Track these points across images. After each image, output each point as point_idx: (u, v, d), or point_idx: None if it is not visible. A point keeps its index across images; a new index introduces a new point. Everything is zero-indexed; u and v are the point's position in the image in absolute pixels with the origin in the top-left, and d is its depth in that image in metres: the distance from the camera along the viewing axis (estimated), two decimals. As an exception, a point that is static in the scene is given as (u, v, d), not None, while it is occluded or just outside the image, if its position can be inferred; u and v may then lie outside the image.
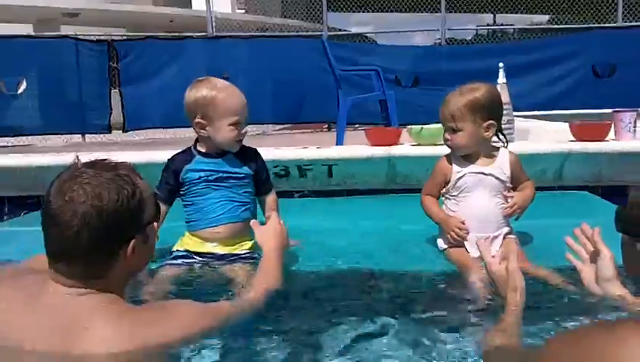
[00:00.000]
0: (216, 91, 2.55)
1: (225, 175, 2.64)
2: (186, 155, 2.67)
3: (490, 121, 2.58)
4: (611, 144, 3.62)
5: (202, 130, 2.56)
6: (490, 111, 2.59)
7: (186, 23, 16.43)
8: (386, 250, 2.85)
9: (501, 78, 3.76)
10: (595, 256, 1.99)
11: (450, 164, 2.67)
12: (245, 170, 2.66)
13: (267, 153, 3.79)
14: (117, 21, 19.23)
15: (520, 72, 9.68)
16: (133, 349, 1.54)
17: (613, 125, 3.74)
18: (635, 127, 3.70)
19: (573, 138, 3.72)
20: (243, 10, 16.84)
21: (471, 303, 2.23)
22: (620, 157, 3.54)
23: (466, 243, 2.59)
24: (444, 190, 2.70)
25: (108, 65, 10.19)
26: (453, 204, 2.67)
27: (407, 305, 2.21)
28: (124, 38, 10.87)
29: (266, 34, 11.45)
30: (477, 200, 2.63)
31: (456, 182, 2.64)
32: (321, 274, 2.58)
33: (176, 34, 10.63)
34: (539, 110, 7.30)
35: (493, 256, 2.05)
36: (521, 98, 9.11)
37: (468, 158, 2.66)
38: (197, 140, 2.69)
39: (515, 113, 6.51)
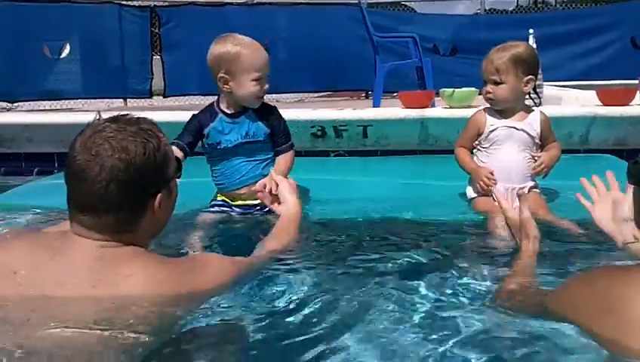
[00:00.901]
0: (240, 47, 2.61)
1: (244, 140, 2.73)
2: (210, 113, 2.76)
3: (530, 76, 2.79)
4: (635, 108, 3.73)
5: (226, 85, 2.63)
6: (530, 66, 2.80)
7: (226, -9, 16.57)
8: (415, 201, 3.06)
9: (531, 43, 3.89)
10: (607, 199, 2.13)
11: (485, 118, 2.86)
12: (264, 129, 2.76)
13: (304, 113, 4.03)
14: (159, -12, 19.44)
15: (559, 41, 9.65)
16: (179, 293, 1.56)
17: (638, 90, 3.85)
18: (660, 92, 3.81)
19: (600, 103, 3.84)
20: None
21: (491, 249, 2.43)
22: (645, 122, 3.67)
23: (493, 191, 2.79)
24: (476, 142, 2.89)
25: (150, 30, 10.41)
26: (484, 156, 2.87)
27: (429, 250, 2.41)
28: (167, 4, 11.03)
29: (306, 1, 11.52)
30: (507, 153, 2.82)
31: (488, 135, 2.83)
32: (352, 221, 2.81)
33: (217, 1, 10.77)
34: (578, 80, 7.32)
35: (513, 207, 2.22)
36: (560, 69, 9.13)
37: (502, 113, 2.85)
38: (219, 97, 2.78)
39: (554, 82, 6.62)
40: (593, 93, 4.09)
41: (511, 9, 13.29)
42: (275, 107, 2.86)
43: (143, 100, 10.62)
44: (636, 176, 1.41)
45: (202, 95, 10.29)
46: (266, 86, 2.68)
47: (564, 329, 1.41)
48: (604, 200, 2.12)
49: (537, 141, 2.85)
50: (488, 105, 2.90)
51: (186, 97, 10.69)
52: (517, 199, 2.77)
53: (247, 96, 2.66)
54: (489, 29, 9.76)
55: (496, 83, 2.78)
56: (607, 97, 3.80)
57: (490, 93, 2.81)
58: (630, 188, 1.68)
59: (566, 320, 1.39)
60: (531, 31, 3.88)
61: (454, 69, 9.16)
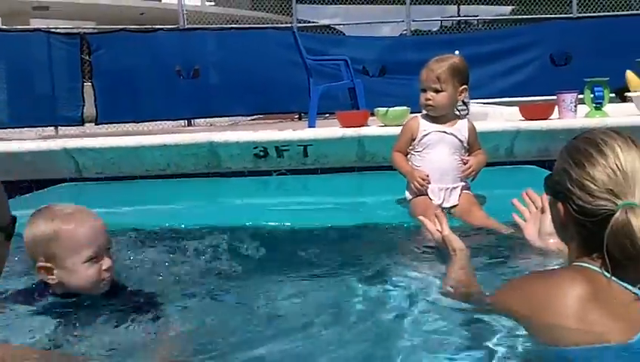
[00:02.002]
0: (58, 221, 1.92)
1: None
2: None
3: (464, 86, 3.05)
4: (554, 122, 4.04)
5: (50, 276, 1.92)
6: (463, 77, 3.06)
7: (156, 16, 16.58)
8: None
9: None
10: (537, 216, 2.33)
11: (418, 123, 3.08)
12: None
13: (247, 135, 4.15)
14: (87, 14, 19.25)
15: (483, 61, 10.12)
16: None
17: (557, 105, 4.16)
18: (576, 106, 4.12)
19: (522, 118, 4.13)
20: (213, 3, 17.06)
21: (427, 248, 2.62)
22: (563, 134, 3.96)
23: (429, 192, 3.02)
24: (410, 147, 3.11)
25: (80, 58, 10.33)
26: (418, 159, 3.09)
27: (373, 253, 2.60)
28: (96, 31, 10.98)
29: (236, 26, 11.67)
30: (438, 156, 3.05)
31: (421, 139, 3.06)
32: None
33: (148, 27, 10.79)
34: (502, 97, 7.71)
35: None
36: (484, 86, 9.57)
37: (434, 119, 3.07)
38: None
39: (480, 100, 6.95)
40: (516, 109, 4.38)
41: (435, 29, 13.75)
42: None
43: (74, 128, 10.50)
44: (551, 188, 1.56)
45: (135, 122, 10.29)
46: (109, 263, 1.97)
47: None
48: (535, 217, 2.32)
49: (465, 145, 3.09)
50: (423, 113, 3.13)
51: (119, 124, 10.61)
52: (452, 198, 3.03)
53: (84, 284, 1.94)
54: (415, 49, 10.13)
55: (437, 91, 3.00)
56: (529, 112, 4.09)
57: (430, 100, 3.02)
58: (546, 200, 1.87)
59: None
60: (457, 52, 4.12)
61: (384, 89, 9.47)
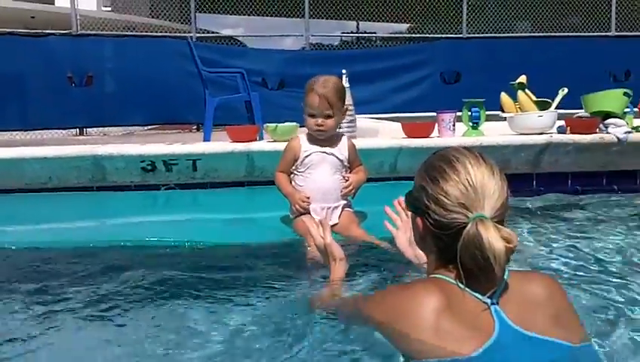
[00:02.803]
0: None
1: None
2: None
3: (346, 106, 3.12)
4: (434, 140, 4.23)
5: None
6: (344, 96, 3.14)
7: (48, 20, 15.97)
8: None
9: (344, 83, 4.26)
10: (407, 225, 2.42)
11: (299, 144, 3.15)
12: None
13: (134, 148, 4.10)
14: (-28, 15, 18.29)
15: (380, 77, 10.43)
16: None
17: (436, 124, 4.36)
18: (454, 125, 4.34)
19: (405, 136, 4.30)
20: (109, 8, 16.64)
21: (307, 269, 2.70)
22: (443, 152, 4.14)
23: (311, 211, 3.10)
24: (293, 167, 3.17)
25: (-36, 61, 9.83)
26: (301, 179, 3.16)
27: (258, 270, 2.65)
28: (-18, 34, 10.46)
29: (132, 33, 11.44)
30: (321, 176, 3.13)
31: (303, 160, 3.13)
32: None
33: (39, 31, 10.39)
34: (396, 113, 7.96)
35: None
36: (380, 101, 9.85)
37: (316, 140, 3.14)
38: None
39: (373, 115, 7.14)
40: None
41: (337, 44, 13.99)
42: None
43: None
44: (411, 203, 1.68)
45: (24, 130, 9.87)
46: None
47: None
48: (406, 225, 2.43)
49: (346, 164, 3.19)
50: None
51: (5, 133, 10.14)
52: (334, 217, 3.12)
53: None
54: (314, 63, 10.30)
55: (328, 116, 3.07)
56: (410, 130, 4.27)
57: (322, 125, 3.08)
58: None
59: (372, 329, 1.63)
60: (344, 71, 4.26)
61: (283, 102, 9.55)
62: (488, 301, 1.49)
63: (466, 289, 1.51)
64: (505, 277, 1.54)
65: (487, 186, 1.52)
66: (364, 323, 1.70)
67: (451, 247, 1.51)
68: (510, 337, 1.45)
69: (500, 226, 1.49)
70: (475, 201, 1.51)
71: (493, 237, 1.45)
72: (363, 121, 6.19)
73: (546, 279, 1.63)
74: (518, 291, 1.53)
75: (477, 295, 1.50)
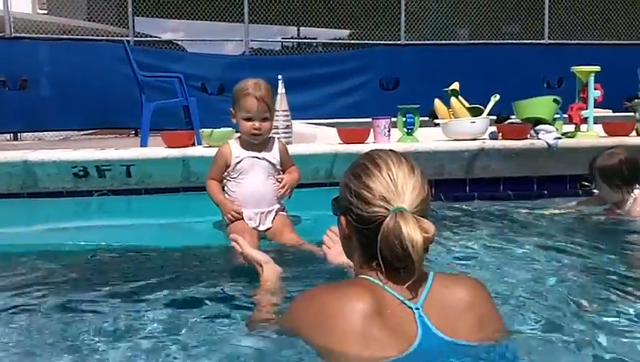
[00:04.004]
0: None
1: None
2: None
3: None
4: (370, 146, 4.29)
5: None
6: (274, 99, 3.13)
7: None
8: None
9: (280, 89, 4.28)
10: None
11: (230, 150, 3.13)
12: None
13: (66, 154, 4.02)
14: None
15: (320, 82, 10.48)
16: None
17: (372, 130, 4.41)
18: (389, 131, 4.40)
19: (340, 141, 4.34)
20: (45, 11, 16.24)
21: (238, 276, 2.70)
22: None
23: (245, 217, 3.09)
24: (225, 173, 3.15)
25: None
26: (233, 185, 3.15)
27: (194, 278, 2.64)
28: None
29: (69, 36, 11.18)
30: (253, 181, 3.12)
31: (235, 166, 3.11)
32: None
33: (-30, 33, 10.07)
34: (335, 118, 8.01)
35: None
36: (321, 106, 9.91)
37: (247, 145, 3.13)
38: None
39: (312, 121, 7.18)
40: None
41: (278, 49, 14.00)
42: None
43: None
44: (335, 205, 1.72)
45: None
46: None
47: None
48: (338, 243, 2.47)
49: (279, 167, 3.19)
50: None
51: None
52: (267, 221, 3.12)
53: None
54: (254, 68, 10.28)
55: (266, 119, 3.06)
56: (346, 136, 4.31)
57: (259, 129, 3.07)
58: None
59: (297, 335, 1.61)
60: (280, 77, 4.27)
61: (222, 107, 9.49)
62: (413, 305, 1.51)
63: (391, 290, 1.53)
64: (429, 280, 1.57)
65: (407, 183, 1.57)
66: (292, 330, 1.66)
67: (374, 243, 1.54)
68: (433, 343, 1.47)
69: (418, 217, 1.53)
70: (396, 195, 1.55)
71: (411, 228, 1.49)
72: (301, 126, 6.22)
73: (470, 281, 1.67)
74: (443, 296, 1.56)
75: (402, 298, 1.52)
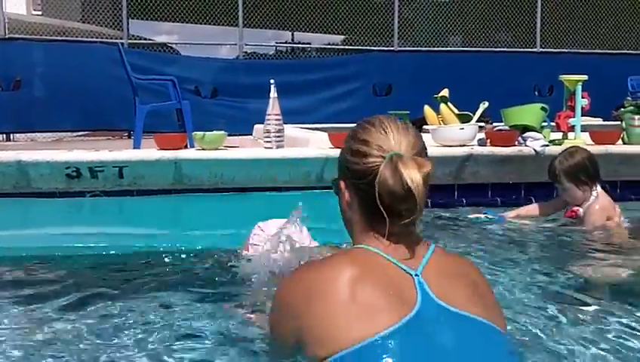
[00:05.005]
0: None
1: None
2: None
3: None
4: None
5: None
6: None
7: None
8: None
9: (273, 93, 4.34)
10: None
11: None
12: None
13: (59, 155, 4.06)
14: None
15: (313, 87, 10.53)
16: None
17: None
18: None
19: (331, 146, 4.40)
20: (39, 12, 16.24)
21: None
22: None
23: None
24: None
25: None
26: None
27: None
28: None
29: (63, 38, 11.19)
30: None
31: None
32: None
33: (-37, 34, 10.07)
34: (328, 123, 8.04)
35: None
36: (314, 112, 9.96)
37: None
38: None
39: (305, 125, 7.22)
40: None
41: (272, 53, 14.04)
42: None
43: None
44: (334, 179, 1.71)
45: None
46: None
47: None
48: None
49: None
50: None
51: None
52: None
53: None
54: (247, 72, 10.34)
55: None
56: (337, 140, 4.37)
57: None
58: None
59: (288, 326, 1.54)
60: (272, 81, 4.32)
61: (215, 111, 9.56)
62: (412, 272, 1.51)
63: (389, 257, 1.53)
64: (430, 250, 1.58)
65: (402, 134, 1.58)
66: (281, 323, 1.60)
67: (374, 197, 1.52)
68: (432, 310, 1.46)
69: (414, 157, 1.53)
70: (392, 143, 1.56)
71: (409, 166, 1.50)
72: (295, 130, 6.27)
73: (469, 260, 1.71)
74: (443, 265, 1.56)
75: (401, 265, 1.52)
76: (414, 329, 1.42)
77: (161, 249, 3.20)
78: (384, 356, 1.39)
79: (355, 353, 1.40)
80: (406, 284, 1.49)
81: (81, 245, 3.23)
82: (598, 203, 3.68)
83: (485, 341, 1.49)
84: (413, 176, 1.48)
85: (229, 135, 4.61)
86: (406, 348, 1.40)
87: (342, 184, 1.66)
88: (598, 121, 5.40)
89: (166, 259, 3.06)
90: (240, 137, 6.58)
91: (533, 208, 4.16)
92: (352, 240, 1.68)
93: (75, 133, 11.18)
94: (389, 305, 1.45)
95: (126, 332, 2.08)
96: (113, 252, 3.19)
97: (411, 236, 1.58)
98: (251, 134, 7.14)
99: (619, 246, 3.50)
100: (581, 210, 3.71)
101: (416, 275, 1.50)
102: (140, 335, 2.04)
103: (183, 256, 3.11)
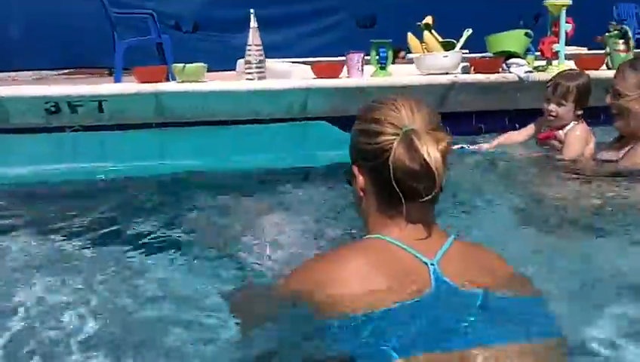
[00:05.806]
0: None
1: None
2: None
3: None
4: (343, 80, 4.30)
5: None
6: None
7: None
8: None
9: (253, 23, 4.25)
10: None
11: None
12: None
13: (37, 90, 3.99)
14: None
15: (294, 20, 10.31)
16: None
17: (345, 65, 4.41)
18: (362, 66, 4.41)
19: (314, 76, 4.35)
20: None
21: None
22: (351, 91, 4.23)
23: None
24: None
25: None
26: None
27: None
28: None
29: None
30: None
31: None
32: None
33: None
34: (313, 56, 7.92)
35: None
36: (295, 45, 9.77)
37: None
38: None
39: (287, 59, 7.10)
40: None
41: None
42: None
43: None
44: (347, 171, 1.63)
45: None
46: None
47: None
48: None
49: None
50: None
51: None
52: None
53: None
54: (229, 5, 10.08)
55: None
56: (319, 71, 4.32)
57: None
58: None
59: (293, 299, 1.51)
60: (252, 11, 4.23)
61: (197, 45, 9.36)
62: (428, 261, 1.45)
63: (404, 245, 1.48)
64: (449, 241, 1.52)
65: (414, 108, 1.51)
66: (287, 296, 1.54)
67: (389, 178, 1.45)
68: (447, 293, 1.42)
69: (429, 131, 1.46)
70: (406, 120, 1.49)
71: (425, 139, 1.43)
72: (277, 64, 6.17)
73: (495, 255, 1.61)
74: (461, 254, 1.51)
75: (416, 253, 1.47)
76: (427, 306, 1.39)
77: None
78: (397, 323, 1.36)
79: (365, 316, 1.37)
80: (420, 273, 1.44)
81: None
82: (579, 128, 3.66)
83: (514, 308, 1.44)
84: (430, 150, 1.42)
85: (213, 71, 4.54)
86: (420, 320, 1.37)
87: (355, 169, 1.59)
88: (584, 51, 5.35)
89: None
90: (223, 72, 6.47)
91: (515, 135, 4.14)
92: (367, 230, 1.61)
93: (57, 72, 10.97)
94: (400, 287, 1.41)
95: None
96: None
97: (430, 223, 1.52)
98: (235, 70, 7.03)
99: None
100: (561, 132, 3.68)
101: (432, 264, 1.45)
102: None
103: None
